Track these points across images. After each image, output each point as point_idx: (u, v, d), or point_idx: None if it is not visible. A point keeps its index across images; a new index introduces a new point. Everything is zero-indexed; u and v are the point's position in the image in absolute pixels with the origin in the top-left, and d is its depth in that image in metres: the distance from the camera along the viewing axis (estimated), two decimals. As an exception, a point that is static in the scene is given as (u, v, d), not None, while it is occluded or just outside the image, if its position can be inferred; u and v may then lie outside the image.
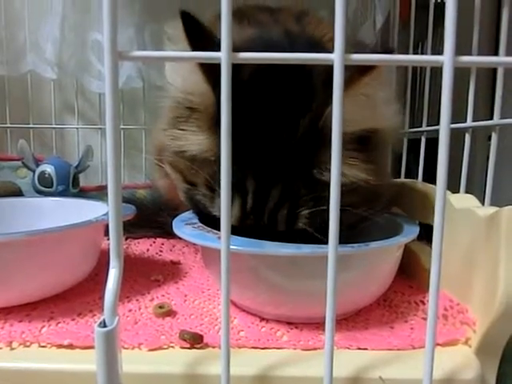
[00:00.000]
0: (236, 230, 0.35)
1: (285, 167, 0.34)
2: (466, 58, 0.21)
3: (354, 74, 0.32)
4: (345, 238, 0.32)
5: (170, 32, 0.36)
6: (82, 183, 0.67)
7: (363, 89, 0.33)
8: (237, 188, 0.34)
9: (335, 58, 0.21)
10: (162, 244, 0.57)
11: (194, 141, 0.36)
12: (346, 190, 0.34)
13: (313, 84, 0.35)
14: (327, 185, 0.32)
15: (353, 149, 0.35)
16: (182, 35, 0.33)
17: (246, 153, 0.34)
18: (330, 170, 0.32)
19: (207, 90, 0.34)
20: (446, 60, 0.20)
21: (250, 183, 0.34)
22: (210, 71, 0.33)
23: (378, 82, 0.33)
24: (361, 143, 0.35)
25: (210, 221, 0.36)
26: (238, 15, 0.45)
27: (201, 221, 0.38)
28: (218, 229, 0.34)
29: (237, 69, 0.33)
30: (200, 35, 0.33)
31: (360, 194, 0.36)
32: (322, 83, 0.34)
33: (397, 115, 0.40)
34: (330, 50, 0.21)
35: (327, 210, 0.33)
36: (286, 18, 0.47)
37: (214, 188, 0.35)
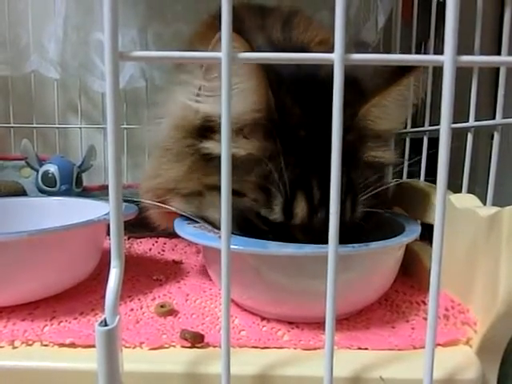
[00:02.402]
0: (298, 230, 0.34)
1: (344, 157, 0.33)
2: (466, 58, 0.21)
3: (397, 72, 0.34)
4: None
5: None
6: (86, 183, 0.67)
7: (399, 87, 0.35)
8: (299, 185, 0.34)
9: (335, 57, 0.21)
10: (164, 243, 0.58)
11: (242, 144, 0.35)
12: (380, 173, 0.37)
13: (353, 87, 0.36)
14: (372, 167, 0.36)
15: (377, 142, 0.37)
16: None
17: (304, 147, 0.34)
18: (374, 155, 0.37)
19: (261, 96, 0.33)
20: (447, 60, 0.20)
21: (313, 177, 0.34)
22: (264, 77, 0.33)
23: (409, 84, 0.35)
24: (379, 140, 0.38)
25: (261, 232, 0.35)
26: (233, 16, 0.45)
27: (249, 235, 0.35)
28: (279, 237, 0.34)
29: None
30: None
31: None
32: (353, 85, 0.36)
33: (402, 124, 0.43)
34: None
35: (376, 194, 0.36)
36: (274, 23, 0.47)
37: (269, 188, 0.34)
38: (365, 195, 0.35)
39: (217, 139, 0.36)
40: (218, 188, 0.36)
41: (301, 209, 0.34)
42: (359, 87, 0.37)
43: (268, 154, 0.34)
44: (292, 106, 0.35)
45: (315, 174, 0.34)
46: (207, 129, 0.36)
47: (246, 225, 0.35)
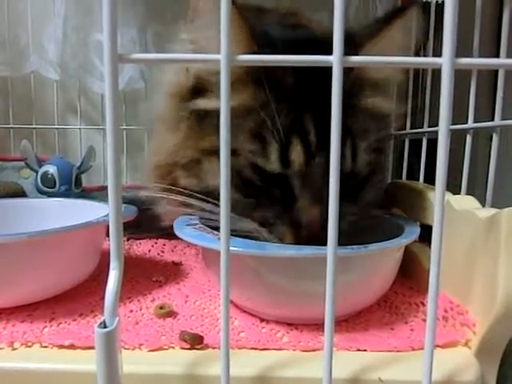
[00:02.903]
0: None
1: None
2: (465, 60, 0.21)
3: (386, 17, 0.34)
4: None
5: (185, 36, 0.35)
6: (85, 183, 0.67)
7: (391, 31, 0.34)
8: (293, 130, 0.33)
9: (334, 59, 0.21)
10: (164, 245, 0.57)
11: (232, 96, 0.35)
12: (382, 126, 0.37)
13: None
14: (371, 115, 0.35)
15: (378, 91, 0.37)
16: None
17: (297, 92, 0.33)
18: (373, 103, 0.36)
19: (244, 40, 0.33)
20: (445, 62, 0.21)
21: (309, 122, 0.33)
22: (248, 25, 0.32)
23: (406, 27, 0.35)
24: (380, 89, 0.37)
25: (259, 192, 0.34)
26: None
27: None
28: (277, 195, 0.33)
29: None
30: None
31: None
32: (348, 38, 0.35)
33: (402, 73, 0.41)
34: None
35: (374, 145, 0.35)
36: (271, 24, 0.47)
37: (263, 136, 0.33)
38: (365, 141, 0.34)
39: (208, 96, 0.35)
40: (214, 152, 0.36)
41: (297, 154, 0.33)
42: (353, 40, 0.35)
43: (259, 103, 0.33)
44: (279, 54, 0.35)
45: (310, 118, 0.33)
46: (199, 90, 0.36)
47: (244, 185, 0.35)
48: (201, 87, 0.36)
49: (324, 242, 0.33)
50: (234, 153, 0.33)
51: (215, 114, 0.35)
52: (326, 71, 0.33)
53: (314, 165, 0.33)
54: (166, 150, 0.40)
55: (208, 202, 0.36)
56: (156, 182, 0.42)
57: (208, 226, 0.36)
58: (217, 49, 0.34)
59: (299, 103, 0.33)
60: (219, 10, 0.32)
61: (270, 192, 0.35)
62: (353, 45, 0.34)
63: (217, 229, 0.35)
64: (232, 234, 0.31)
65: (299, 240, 0.34)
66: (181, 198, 0.39)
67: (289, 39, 0.37)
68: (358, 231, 0.37)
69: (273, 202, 0.35)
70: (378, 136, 0.35)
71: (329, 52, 0.21)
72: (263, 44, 0.34)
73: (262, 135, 0.33)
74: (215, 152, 0.35)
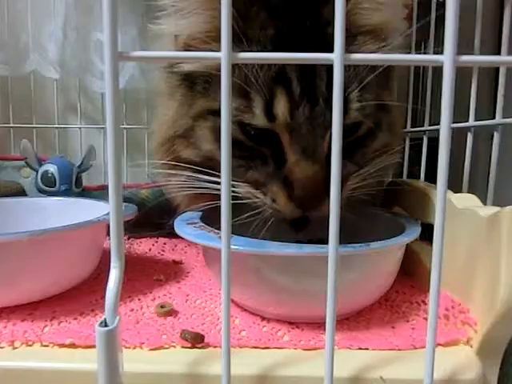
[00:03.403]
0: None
1: (324, 48, 0.32)
2: (466, 58, 0.21)
3: None
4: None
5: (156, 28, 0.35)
6: (85, 183, 0.67)
7: None
8: (277, 79, 0.32)
9: (335, 57, 0.21)
10: (164, 244, 0.57)
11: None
12: (380, 77, 0.34)
13: None
14: (365, 66, 0.33)
15: (377, 38, 0.35)
16: None
17: (278, 43, 0.33)
18: (365, 51, 0.33)
19: None
20: (447, 59, 0.20)
21: (292, 71, 0.32)
22: None
23: None
24: (376, 36, 0.35)
25: (247, 152, 0.34)
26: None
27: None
28: (261, 148, 0.32)
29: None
30: None
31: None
32: None
33: (402, 21, 0.39)
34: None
35: (371, 98, 0.33)
36: None
37: (248, 91, 0.32)
38: (358, 90, 0.33)
39: None
40: (203, 114, 0.35)
41: (282, 107, 0.32)
42: None
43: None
44: (257, 10, 0.34)
45: (293, 69, 0.32)
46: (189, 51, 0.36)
47: (234, 147, 0.34)
48: (190, 48, 0.36)
49: (319, 202, 0.31)
50: (219, 113, 0.33)
51: (201, 77, 0.35)
52: (314, 20, 0.33)
53: (299, 116, 0.32)
54: (165, 123, 0.40)
55: (207, 173, 0.36)
56: (161, 160, 0.41)
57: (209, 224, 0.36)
58: (192, 28, 0.34)
59: (283, 51, 0.33)
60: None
61: (260, 151, 0.34)
62: None
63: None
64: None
65: (293, 200, 0.33)
66: (184, 176, 0.38)
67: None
68: (360, 228, 0.36)
69: (265, 162, 0.34)
70: (378, 88, 0.34)
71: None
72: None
73: (246, 90, 0.32)
74: (206, 113, 0.35)
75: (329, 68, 0.31)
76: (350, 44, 0.34)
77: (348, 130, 0.33)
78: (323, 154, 0.32)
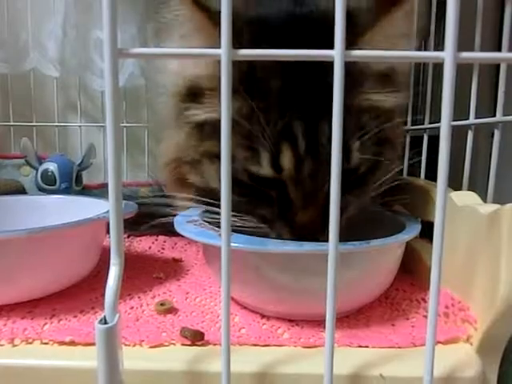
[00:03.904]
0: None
1: (327, 100, 0.31)
2: (467, 54, 0.21)
3: (384, 5, 0.32)
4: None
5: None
6: (85, 181, 0.67)
7: (391, 21, 0.33)
8: (283, 135, 0.33)
9: (335, 54, 0.20)
10: (164, 242, 0.57)
11: (214, 107, 0.35)
12: (384, 119, 0.35)
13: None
14: (369, 112, 0.34)
15: (385, 84, 0.35)
16: (189, 7, 0.32)
17: (283, 97, 0.33)
18: (368, 99, 0.34)
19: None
20: (447, 56, 0.20)
21: (297, 126, 0.33)
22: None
23: (407, 16, 0.33)
24: (389, 82, 0.36)
25: (256, 194, 0.35)
26: None
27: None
28: (268, 191, 0.33)
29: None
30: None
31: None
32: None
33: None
34: None
35: (373, 139, 0.34)
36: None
37: (254, 146, 0.33)
38: (360, 140, 0.34)
39: (202, 103, 0.36)
40: (212, 156, 0.36)
41: (288, 162, 0.33)
42: (354, 28, 0.33)
43: (245, 113, 0.33)
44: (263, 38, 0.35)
45: (299, 124, 0.33)
46: (196, 92, 0.36)
47: (241, 188, 0.35)
48: (197, 91, 0.36)
49: (321, 240, 0.33)
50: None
51: (210, 122, 0.36)
52: (316, 70, 0.33)
53: (304, 170, 0.33)
54: (173, 146, 0.41)
55: (209, 203, 0.37)
56: (167, 177, 0.43)
57: (210, 223, 0.36)
58: (198, 69, 0.34)
59: (287, 108, 0.33)
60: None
61: (267, 194, 0.36)
62: (354, 33, 0.33)
63: (218, 226, 0.35)
64: (233, 231, 0.31)
65: (295, 236, 0.34)
66: (190, 196, 0.40)
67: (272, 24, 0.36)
68: (360, 226, 0.36)
69: (271, 203, 0.36)
70: (379, 130, 0.35)
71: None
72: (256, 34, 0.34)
73: (253, 146, 0.34)
74: (214, 156, 0.37)
75: (331, 121, 0.32)
76: (355, 88, 0.34)
77: (348, 171, 0.35)
78: (323, 196, 0.34)
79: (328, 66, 0.32)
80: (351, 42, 0.32)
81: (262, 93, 0.34)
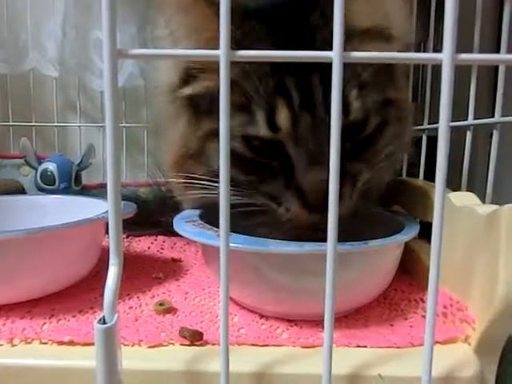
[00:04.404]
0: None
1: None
2: (465, 56, 0.21)
3: None
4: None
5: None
6: (84, 181, 0.67)
7: None
8: (276, 92, 0.32)
9: (334, 55, 0.21)
10: (163, 242, 0.58)
11: (210, 76, 0.34)
12: (382, 74, 0.34)
13: None
14: (364, 66, 0.33)
15: (376, 40, 0.34)
16: None
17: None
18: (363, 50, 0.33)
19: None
20: (446, 57, 0.20)
21: (290, 81, 0.32)
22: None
23: None
24: (382, 38, 0.35)
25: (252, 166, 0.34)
26: None
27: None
28: (266, 160, 0.33)
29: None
30: None
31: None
32: None
33: (407, 21, 0.38)
34: None
35: (375, 95, 0.33)
36: None
37: (249, 106, 0.33)
38: (358, 89, 0.33)
39: (192, 83, 0.36)
40: (210, 135, 0.36)
41: (283, 117, 0.32)
42: None
43: (238, 73, 0.33)
44: (256, 23, 0.34)
45: (291, 79, 0.32)
46: (188, 78, 0.36)
47: (242, 163, 0.34)
48: (191, 75, 0.36)
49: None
50: None
51: (204, 98, 0.35)
52: (304, 28, 0.33)
53: (301, 126, 0.32)
54: (174, 144, 0.41)
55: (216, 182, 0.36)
56: (175, 175, 0.42)
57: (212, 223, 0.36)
58: (186, 35, 0.34)
59: (279, 65, 0.33)
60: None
61: (269, 165, 0.35)
62: None
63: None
64: (240, 213, 0.30)
65: (308, 208, 0.33)
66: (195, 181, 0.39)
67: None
68: (359, 226, 0.36)
69: (275, 175, 0.35)
70: (380, 84, 0.34)
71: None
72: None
73: (247, 105, 0.33)
74: (213, 135, 0.36)
75: (322, 77, 0.31)
76: (348, 42, 0.33)
77: (354, 129, 0.33)
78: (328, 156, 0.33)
79: (316, 23, 0.32)
80: None
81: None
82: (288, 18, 0.35)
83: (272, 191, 0.35)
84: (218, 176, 0.36)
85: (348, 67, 0.32)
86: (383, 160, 0.37)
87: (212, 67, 0.33)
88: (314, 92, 0.32)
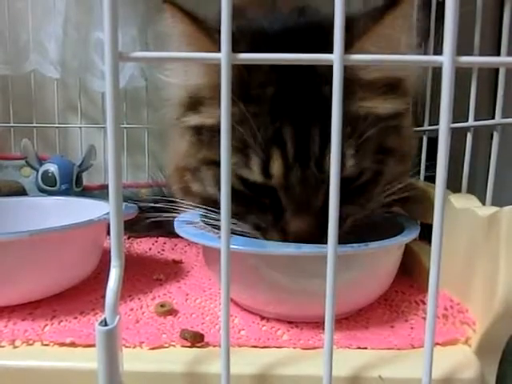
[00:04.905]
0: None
1: (319, 108, 0.31)
2: (465, 59, 0.21)
3: (378, 11, 0.31)
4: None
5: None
6: (85, 182, 0.67)
7: (385, 30, 0.32)
8: (273, 141, 0.33)
9: (334, 58, 0.21)
10: (164, 243, 0.58)
11: (210, 113, 0.35)
12: (385, 127, 0.34)
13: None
14: (365, 120, 0.33)
15: (382, 92, 0.35)
16: (180, 20, 0.33)
17: (276, 104, 0.33)
18: (364, 106, 0.34)
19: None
20: (446, 60, 0.21)
21: (287, 132, 0.33)
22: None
23: (400, 23, 0.32)
24: (389, 89, 0.35)
25: (247, 201, 0.35)
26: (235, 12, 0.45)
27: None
28: (260, 198, 0.34)
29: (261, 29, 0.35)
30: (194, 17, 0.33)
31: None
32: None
33: (419, 71, 0.38)
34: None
35: (372, 147, 0.34)
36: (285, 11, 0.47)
37: (245, 150, 0.34)
38: (357, 147, 0.33)
39: (201, 111, 0.36)
40: (208, 163, 0.37)
41: (277, 167, 0.33)
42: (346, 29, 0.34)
43: (238, 118, 0.33)
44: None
45: (289, 130, 0.33)
46: (197, 102, 0.37)
47: (234, 195, 0.34)
48: (198, 101, 0.37)
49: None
50: (219, 164, 0.33)
51: (208, 129, 0.36)
52: (309, 78, 0.33)
53: (293, 177, 0.33)
54: (178, 155, 0.42)
55: (208, 210, 0.38)
56: (175, 183, 0.44)
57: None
58: (199, 81, 0.35)
59: (278, 112, 0.33)
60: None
61: (259, 201, 0.36)
62: (349, 38, 0.33)
63: (217, 228, 0.35)
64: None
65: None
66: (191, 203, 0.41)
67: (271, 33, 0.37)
68: (359, 228, 0.37)
69: (264, 211, 0.36)
70: (379, 137, 0.34)
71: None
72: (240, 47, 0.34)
73: (244, 150, 0.34)
74: (211, 162, 0.37)
75: (321, 130, 0.31)
76: (351, 95, 0.33)
77: (347, 180, 0.34)
78: (319, 204, 0.34)
79: (321, 74, 0.33)
80: (346, 46, 0.33)
81: (254, 99, 0.34)
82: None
83: (260, 224, 0.36)
84: (210, 200, 0.38)
85: (349, 123, 0.33)
86: (378, 200, 0.38)
87: (214, 102, 0.34)
88: (310, 145, 0.33)
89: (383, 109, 0.35)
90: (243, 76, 0.34)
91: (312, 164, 0.33)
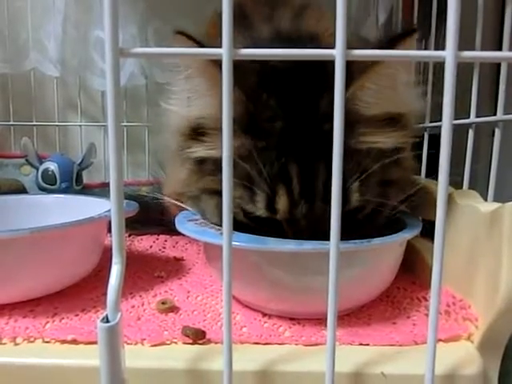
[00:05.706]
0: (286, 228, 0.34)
1: (322, 145, 0.32)
2: (468, 53, 0.21)
3: (383, 47, 0.31)
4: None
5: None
6: (86, 180, 0.67)
7: (385, 69, 0.32)
8: (279, 177, 0.33)
9: (336, 53, 0.20)
10: (165, 240, 0.58)
11: (218, 145, 0.35)
12: (387, 160, 0.35)
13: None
14: (367, 155, 0.34)
15: (383, 126, 0.35)
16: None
17: (283, 139, 0.34)
18: (366, 141, 0.34)
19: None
20: (449, 55, 0.20)
21: (293, 168, 0.33)
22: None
23: (399, 63, 0.33)
24: (390, 124, 0.35)
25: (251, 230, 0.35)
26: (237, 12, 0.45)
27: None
28: (264, 228, 0.34)
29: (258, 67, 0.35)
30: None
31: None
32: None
33: (419, 98, 0.39)
34: (330, 45, 0.20)
35: (375, 180, 0.35)
36: (284, 14, 0.47)
37: (250, 186, 0.34)
38: (361, 181, 0.33)
39: (204, 141, 0.36)
40: (211, 192, 0.37)
41: (282, 203, 0.33)
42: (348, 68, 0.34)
43: (244, 153, 0.34)
44: (267, 98, 0.35)
45: (294, 166, 0.33)
46: (199, 132, 0.37)
47: (237, 226, 0.35)
48: (201, 131, 0.37)
49: None
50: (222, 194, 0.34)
51: (211, 159, 0.36)
52: (313, 116, 0.33)
53: (298, 213, 0.34)
54: (176, 181, 0.42)
55: None
56: (173, 206, 0.44)
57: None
58: (202, 112, 0.35)
59: (285, 149, 0.34)
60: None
61: (263, 231, 0.35)
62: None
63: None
64: None
65: None
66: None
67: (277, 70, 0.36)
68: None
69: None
70: (381, 171, 0.35)
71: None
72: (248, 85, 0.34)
73: (249, 185, 0.34)
74: (213, 192, 0.37)
75: (327, 166, 0.32)
76: (353, 130, 0.34)
77: (350, 213, 0.34)
78: (322, 238, 0.33)
79: (326, 111, 0.33)
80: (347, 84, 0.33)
81: (260, 134, 0.34)
82: (301, 102, 0.35)
83: None
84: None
85: (351, 158, 0.33)
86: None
87: (218, 133, 0.34)
88: (315, 181, 0.33)
89: (385, 143, 0.35)
90: (249, 109, 0.34)
91: (317, 200, 0.33)
